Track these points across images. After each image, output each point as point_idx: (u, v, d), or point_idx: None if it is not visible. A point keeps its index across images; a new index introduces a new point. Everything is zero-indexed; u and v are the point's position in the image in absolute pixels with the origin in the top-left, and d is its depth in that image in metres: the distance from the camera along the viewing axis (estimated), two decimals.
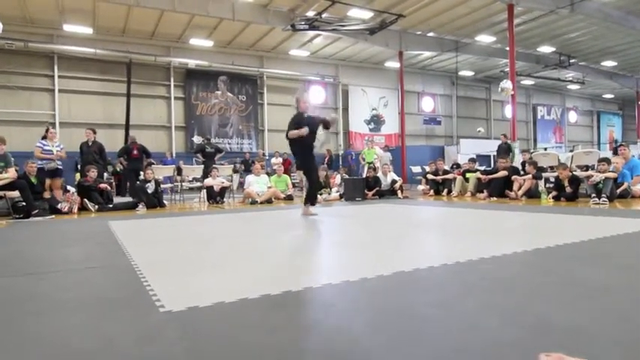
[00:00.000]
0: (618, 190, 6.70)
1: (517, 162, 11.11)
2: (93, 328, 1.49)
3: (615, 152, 8.28)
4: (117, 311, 1.68)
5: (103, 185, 7.76)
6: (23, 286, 2.18)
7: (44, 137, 7.57)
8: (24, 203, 6.16)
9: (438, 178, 9.82)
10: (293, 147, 5.77)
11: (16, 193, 6.28)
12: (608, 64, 22.59)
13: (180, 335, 1.40)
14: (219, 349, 1.28)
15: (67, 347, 1.34)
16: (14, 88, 15.28)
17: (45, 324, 1.56)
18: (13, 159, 6.53)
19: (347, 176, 11.22)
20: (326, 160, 15.99)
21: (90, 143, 8.68)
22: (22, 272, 2.49)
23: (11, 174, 6.26)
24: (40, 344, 1.37)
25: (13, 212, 6.24)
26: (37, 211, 6.14)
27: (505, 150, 11.24)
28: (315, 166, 6.06)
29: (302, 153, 5.76)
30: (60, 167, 7.56)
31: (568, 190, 6.99)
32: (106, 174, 10.14)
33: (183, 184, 9.87)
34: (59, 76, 15.95)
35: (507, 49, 14.60)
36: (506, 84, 12.68)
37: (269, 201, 8.32)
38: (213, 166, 9.43)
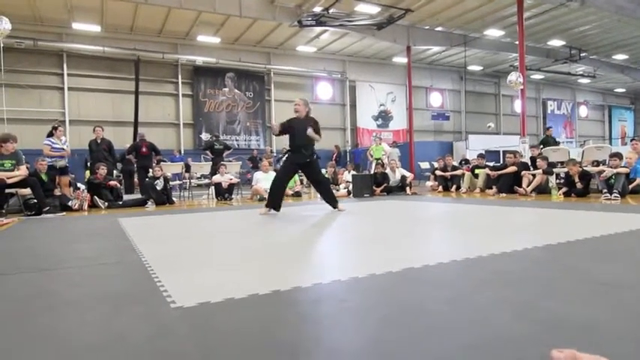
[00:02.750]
0: (630, 186, 6.61)
1: (526, 158, 10.98)
2: (105, 324, 1.51)
3: None
4: (129, 307, 1.70)
5: (112, 182, 7.83)
6: (36, 282, 2.21)
7: (50, 135, 7.62)
8: (35, 200, 6.24)
9: (447, 174, 9.77)
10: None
11: (27, 191, 6.36)
12: (620, 57, 22.26)
13: (192, 331, 1.41)
14: (230, 345, 1.29)
15: (80, 342, 1.35)
16: (24, 86, 15.45)
17: (58, 319, 1.58)
18: (24, 157, 6.61)
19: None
20: (334, 156, 15.98)
21: (99, 141, 8.76)
22: (35, 268, 2.52)
23: (22, 171, 6.33)
24: (53, 339, 1.38)
25: (24, 209, 6.32)
26: (48, 208, 6.21)
27: (550, 143, 10.82)
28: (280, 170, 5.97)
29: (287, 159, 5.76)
30: (67, 165, 7.66)
31: (579, 185, 6.92)
32: (115, 171, 10.22)
33: (191, 180, 9.93)
34: (68, 74, 16.10)
35: (517, 43, 14.46)
36: (513, 76, 12.50)
37: None
38: (221, 162, 9.46)
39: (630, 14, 15.55)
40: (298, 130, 5.47)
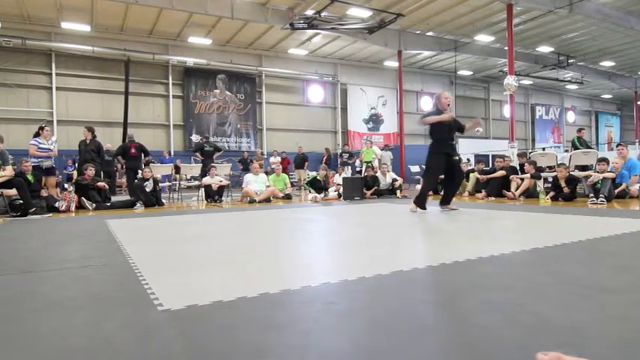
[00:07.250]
0: (616, 191, 6.72)
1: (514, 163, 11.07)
2: (91, 327, 1.49)
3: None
4: (115, 309, 1.68)
5: (100, 184, 7.74)
6: (21, 284, 2.17)
7: (37, 135, 7.55)
8: (21, 201, 6.14)
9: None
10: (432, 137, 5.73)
11: (13, 191, 6.26)
12: (607, 64, 22.64)
13: (179, 334, 1.40)
14: (217, 348, 1.28)
15: (66, 345, 1.33)
16: (12, 85, 15.24)
17: (43, 322, 1.55)
18: (10, 157, 6.51)
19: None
20: (324, 159, 15.98)
21: (88, 142, 8.67)
22: (20, 270, 2.49)
23: (8, 172, 6.24)
24: (38, 342, 1.36)
25: (10, 210, 6.22)
26: (34, 209, 6.12)
27: (582, 147, 10.67)
28: (434, 165, 5.80)
29: (433, 151, 5.67)
30: (54, 165, 7.59)
31: (566, 190, 7.01)
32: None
33: (181, 182, 9.86)
34: (57, 74, 15.91)
35: (506, 48, 14.62)
36: (510, 80, 12.69)
37: (267, 200, 8.33)
38: (212, 164, 9.41)
39: (617, 22, 15.84)
40: (449, 124, 5.70)
